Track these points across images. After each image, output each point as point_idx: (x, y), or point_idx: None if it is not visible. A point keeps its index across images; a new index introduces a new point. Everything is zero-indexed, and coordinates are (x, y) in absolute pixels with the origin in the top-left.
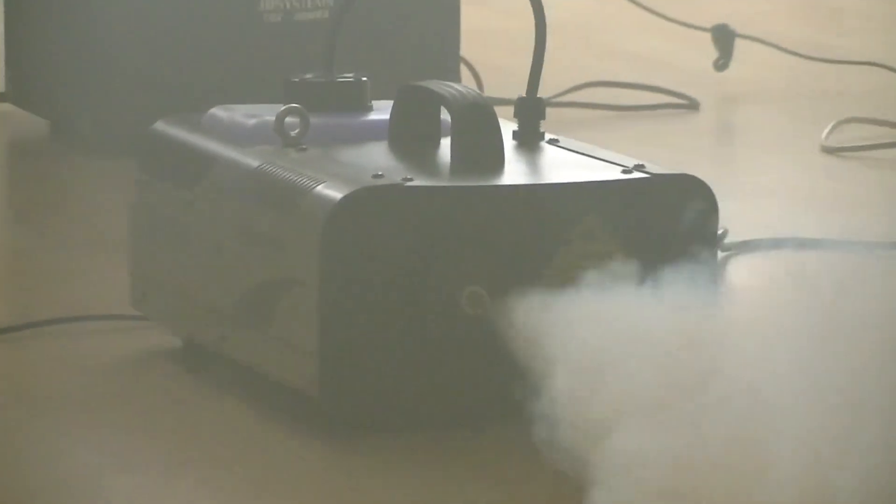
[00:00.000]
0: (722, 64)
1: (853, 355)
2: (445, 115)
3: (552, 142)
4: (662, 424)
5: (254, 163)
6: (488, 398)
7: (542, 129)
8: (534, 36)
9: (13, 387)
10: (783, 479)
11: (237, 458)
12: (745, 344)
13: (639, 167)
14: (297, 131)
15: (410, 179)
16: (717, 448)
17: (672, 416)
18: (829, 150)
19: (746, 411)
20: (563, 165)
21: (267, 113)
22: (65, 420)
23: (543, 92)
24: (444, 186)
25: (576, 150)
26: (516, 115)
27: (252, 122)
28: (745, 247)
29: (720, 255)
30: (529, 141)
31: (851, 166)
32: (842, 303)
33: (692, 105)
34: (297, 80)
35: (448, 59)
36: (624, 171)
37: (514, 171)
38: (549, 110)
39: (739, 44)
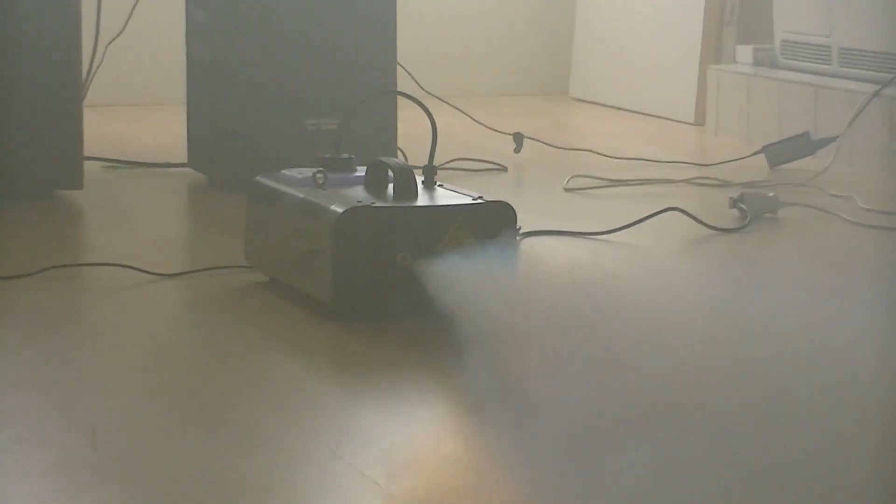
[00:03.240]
0: (517, 150)
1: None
2: (391, 174)
3: (440, 186)
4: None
5: (301, 195)
6: (413, 304)
7: (435, 180)
8: (430, 135)
9: (187, 299)
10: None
11: (290, 329)
12: (527, 276)
13: (480, 197)
14: (322, 181)
15: (374, 203)
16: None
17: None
18: (568, 190)
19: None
20: (445, 197)
21: (308, 172)
22: (210, 314)
23: (436, 162)
24: (391, 206)
25: (451, 189)
26: (423, 173)
27: (301, 176)
28: (528, 235)
29: (518, 239)
30: (429, 186)
31: (577, 198)
32: (570, 261)
33: (503, 169)
34: (322, 157)
35: (391, 147)
36: (473, 199)
37: (422, 199)
38: (439, 171)
39: (526, 141)
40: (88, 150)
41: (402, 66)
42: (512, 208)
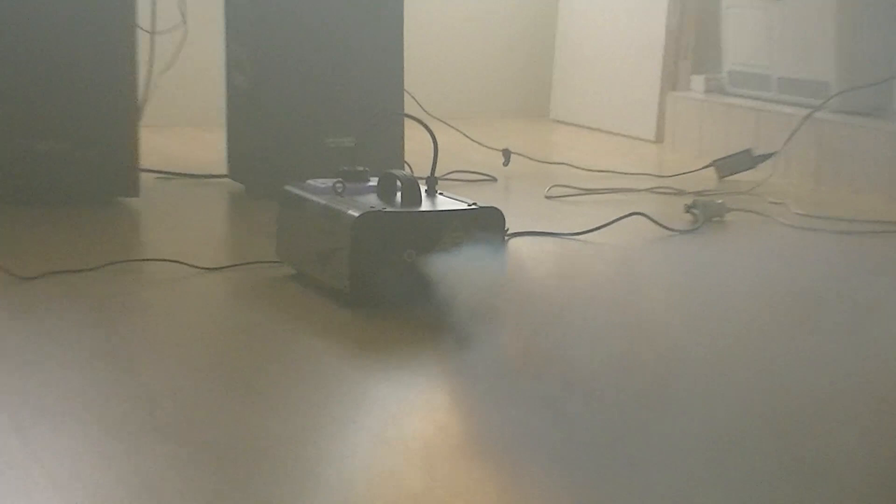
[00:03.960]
0: (506, 163)
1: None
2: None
3: (440, 193)
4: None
5: (323, 201)
6: (417, 293)
7: (436, 189)
8: (432, 151)
9: (227, 289)
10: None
11: (313, 314)
12: (513, 270)
13: (473, 203)
14: (341, 190)
15: (385, 208)
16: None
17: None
18: (549, 198)
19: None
20: (445, 203)
21: (329, 182)
22: (247, 301)
23: (436, 174)
24: (399, 211)
25: (450, 196)
26: (426, 183)
27: (323, 185)
28: (514, 235)
29: (506, 239)
30: (431, 194)
31: (557, 204)
32: (544, 262)
33: (493, 179)
34: (341, 169)
35: (398, 160)
36: (468, 205)
37: (425, 205)
38: (439, 181)
39: (513, 156)
40: (144, 163)
41: (408, 92)
42: (501, 213)
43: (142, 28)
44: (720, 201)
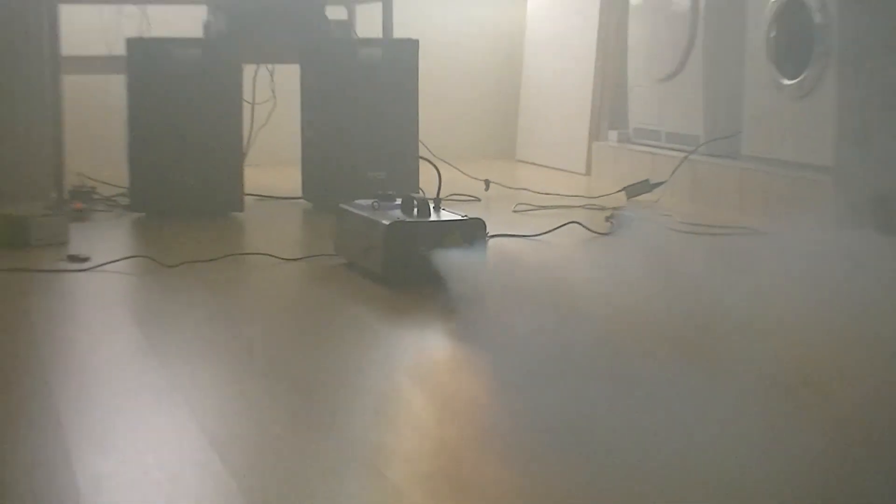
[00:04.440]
0: (486, 189)
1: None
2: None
3: (443, 209)
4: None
5: (365, 214)
6: (428, 276)
7: (441, 206)
8: (437, 180)
9: (301, 273)
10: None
11: (359, 289)
12: (492, 260)
13: (465, 215)
14: (377, 207)
15: (406, 219)
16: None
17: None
18: (515, 211)
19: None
20: (446, 215)
21: (369, 201)
22: (314, 281)
23: (440, 196)
24: (415, 221)
25: (449, 211)
26: (434, 202)
27: (365, 203)
28: (493, 237)
29: (487, 239)
30: (437, 209)
31: (520, 216)
32: (513, 254)
33: (478, 200)
34: (377, 193)
35: (415, 187)
36: (461, 217)
37: (433, 217)
38: (442, 201)
39: (491, 184)
40: (247, 189)
41: (422, 142)
42: (483, 222)
43: (246, 101)
44: (629, 214)
